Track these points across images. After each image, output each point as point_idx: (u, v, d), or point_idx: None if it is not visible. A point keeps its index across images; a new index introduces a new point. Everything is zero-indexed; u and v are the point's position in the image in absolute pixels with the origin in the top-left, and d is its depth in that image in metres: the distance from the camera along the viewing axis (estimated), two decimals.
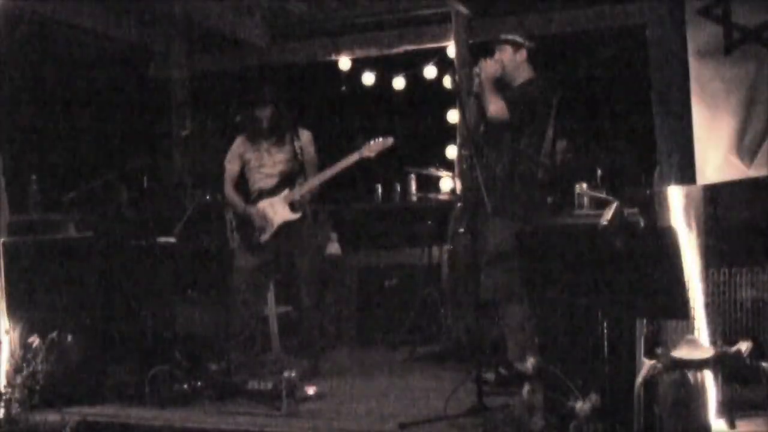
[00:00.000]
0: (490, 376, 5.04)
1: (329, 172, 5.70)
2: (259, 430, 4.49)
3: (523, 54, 5.23)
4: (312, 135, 5.85)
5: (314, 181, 5.72)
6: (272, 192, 5.72)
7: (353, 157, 5.65)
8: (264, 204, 5.70)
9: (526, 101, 5.08)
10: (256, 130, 5.72)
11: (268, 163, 5.76)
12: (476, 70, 5.17)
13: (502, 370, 5.06)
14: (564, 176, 6.13)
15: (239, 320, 5.68)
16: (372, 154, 5.65)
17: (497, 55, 5.24)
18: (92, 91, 7.69)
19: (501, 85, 5.17)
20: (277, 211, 5.68)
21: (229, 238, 6.62)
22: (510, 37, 5.26)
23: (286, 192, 5.70)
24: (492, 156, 5.14)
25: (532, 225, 4.97)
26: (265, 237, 5.67)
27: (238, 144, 5.83)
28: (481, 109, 5.17)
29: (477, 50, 7.19)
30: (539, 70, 5.30)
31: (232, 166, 5.84)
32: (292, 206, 5.69)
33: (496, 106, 5.03)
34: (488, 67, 5.14)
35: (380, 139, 5.64)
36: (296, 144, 5.73)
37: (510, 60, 5.21)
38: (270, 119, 5.68)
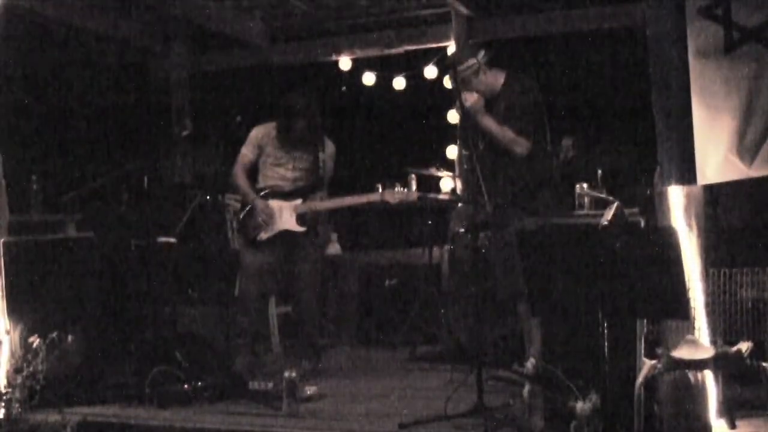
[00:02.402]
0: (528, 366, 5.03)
1: (345, 201, 5.70)
2: (259, 430, 4.49)
3: (485, 70, 5.12)
4: (335, 148, 5.82)
5: (327, 205, 5.74)
6: (285, 196, 5.67)
7: (373, 196, 5.64)
8: (275, 204, 5.66)
9: (519, 108, 5.04)
10: (287, 135, 5.65)
11: (288, 166, 5.71)
12: (458, 112, 5.10)
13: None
14: (568, 174, 6.14)
15: (245, 320, 5.66)
16: (393, 202, 5.62)
17: (466, 89, 5.13)
18: (92, 91, 7.69)
19: (488, 105, 5.12)
20: (284, 216, 5.65)
21: (230, 239, 6.62)
22: (465, 67, 5.10)
23: (298, 202, 5.67)
24: (506, 166, 5.08)
25: (560, 218, 4.98)
26: (264, 236, 5.65)
27: (262, 134, 5.73)
28: (474, 133, 5.13)
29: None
30: (512, 68, 5.28)
31: (249, 153, 5.73)
32: (300, 219, 5.66)
33: (519, 146, 4.99)
34: (473, 104, 5.00)
35: (405, 190, 5.63)
36: (320, 155, 5.70)
37: (480, 84, 5.11)
38: (302, 130, 5.62)
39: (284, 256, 5.70)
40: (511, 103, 5.08)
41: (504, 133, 5.02)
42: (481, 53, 5.16)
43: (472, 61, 5.12)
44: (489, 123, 5.04)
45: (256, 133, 5.75)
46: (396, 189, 5.61)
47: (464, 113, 5.02)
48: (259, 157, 5.74)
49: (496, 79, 5.17)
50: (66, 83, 7.42)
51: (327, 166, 5.75)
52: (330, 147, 5.79)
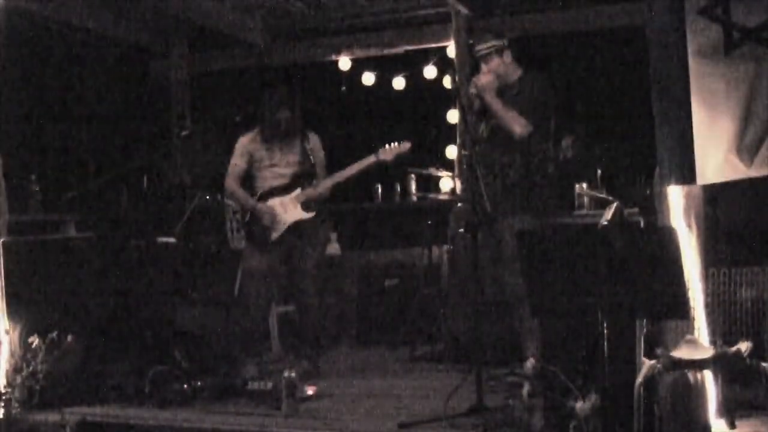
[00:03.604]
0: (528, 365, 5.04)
1: (344, 174, 5.68)
2: (259, 430, 4.49)
3: (509, 54, 5.21)
4: (319, 138, 5.83)
5: (328, 182, 5.71)
6: (283, 191, 5.68)
7: (369, 160, 5.64)
8: (275, 202, 5.66)
9: (530, 98, 5.06)
10: (272, 130, 5.68)
11: (281, 163, 5.72)
12: (473, 90, 5.13)
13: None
14: (567, 173, 6.13)
15: (249, 321, 5.66)
16: (389, 158, 5.63)
17: (485, 68, 5.21)
18: (92, 91, 7.69)
19: (500, 92, 5.14)
20: (289, 210, 5.65)
21: (229, 238, 6.61)
22: (489, 45, 5.21)
23: (297, 192, 5.67)
24: (503, 160, 5.10)
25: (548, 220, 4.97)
26: (275, 235, 5.65)
27: (248, 140, 5.75)
28: (480, 120, 5.15)
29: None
30: (529, 67, 5.30)
31: (239, 162, 5.75)
32: (305, 206, 5.67)
33: (519, 125, 5.00)
34: (486, 84, 5.09)
35: (397, 144, 5.62)
36: (306, 146, 5.71)
37: (499, 65, 5.19)
38: (288, 121, 5.65)
39: (295, 250, 5.68)
40: (522, 93, 5.11)
41: (506, 112, 5.04)
42: (506, 38, 5.24)
43: (495, 41, 5.19)
44: (495, 102, 5.06)
45: (242, 142, 5.78)
46: (388, 146, 5.61)
47: (471, 97, 5.06)
48: (251, 164, 5.75)
49: (514, 70, 5.23)
50: (66, 83, 7.42)
51: (317, 156, 5.76)
52: (314, 138, 5.80)
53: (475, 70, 5.37)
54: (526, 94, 5.11)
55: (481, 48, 5.24)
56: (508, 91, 5.16)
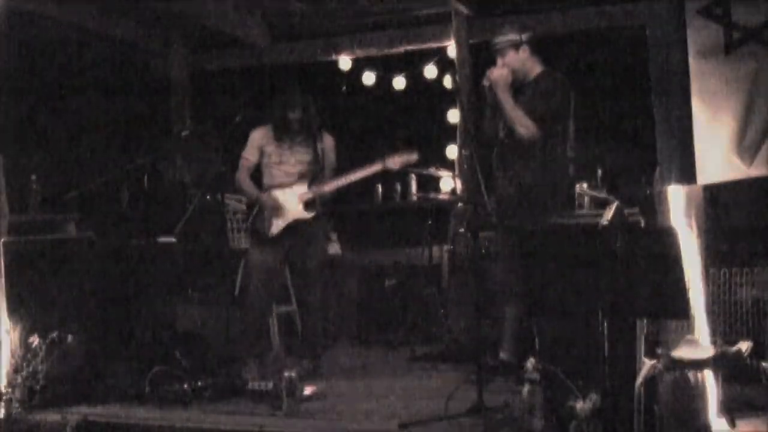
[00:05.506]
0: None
1: (349, 178, 5.68)
2: (259, 430, 4.49)
3: (525, 50, 5.13)
4: (334, 140, 5.84)
5: (333, 184, 5.71)
6: (289, 189, 5.69)
7: (375, 167, 5.64)
8: (278, 195, 5.68)
9: (542, 99, 5.00)
10: (282, 129, 5.69)
11: (290, 161, 5.73)
12: (485, 83, 5.07)
13: (491, 361, 5.07)
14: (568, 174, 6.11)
15: (250, 319, 5.66)
16: (395, 167, 5.64)
17: (500, 61, 5.13)
18: (92, 90, 7.69)
19: (515, 88, 5.08)
20: (291, 206, 5.66)
21: (229, 238, 6.61)
22: (506, 39, 5.15)
23: (304, 189, 5.69)
24: (520, 162, 5.05)
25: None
26: (275, 230, 5.65)
27: (260, 135, 5.77)
28: (498, 117, 5.11)
29: (477, 50, 7.20)
30: (546, 63, 5.24)
31: (250, 157, 5.77)
32: (307, 205, 5.68)
33: (524, 128, 4.92)
34: (498, 77, 5.03)
35: (404, 154, 5.62)
36: (319, 146, 5.71)
37: (515, 60, 5.11)
38: (300, 121, 5.66)
39: (296, 249, 5.69)
40: (538, 93, 5.04)
41: (515, 111, 4.97)
42: (527, 34, 5.17)
43: (514, 36, 5.13)
44: (506, 98, 4.98)
45: (255, 135, 5.79)
46: (396, 156, 5.62)
47: (482, 89, 5.05)
48: (261, 158, 5.76)
49: (533, 66, 5.15)
50: (66, 83, 7.41)
51: (328, 158, 5.77)
52: (329, 139, 5.82)
53: (476, 69, 5.34)
54: (539, 94, 5.04)
55: (498, 41, 5.18)
56: (524, 91, 5.10)
